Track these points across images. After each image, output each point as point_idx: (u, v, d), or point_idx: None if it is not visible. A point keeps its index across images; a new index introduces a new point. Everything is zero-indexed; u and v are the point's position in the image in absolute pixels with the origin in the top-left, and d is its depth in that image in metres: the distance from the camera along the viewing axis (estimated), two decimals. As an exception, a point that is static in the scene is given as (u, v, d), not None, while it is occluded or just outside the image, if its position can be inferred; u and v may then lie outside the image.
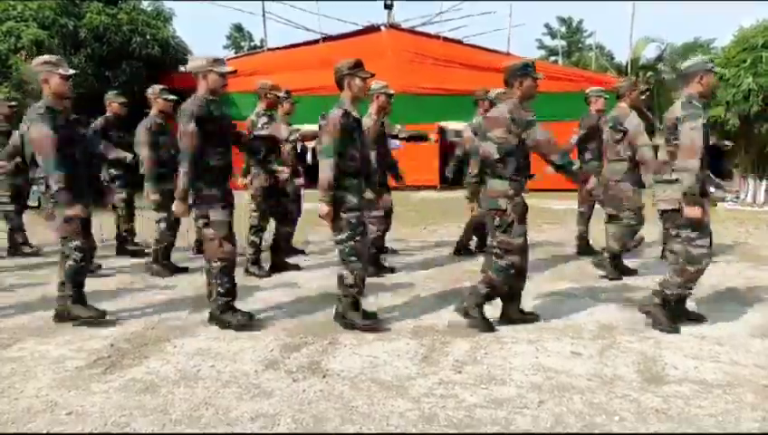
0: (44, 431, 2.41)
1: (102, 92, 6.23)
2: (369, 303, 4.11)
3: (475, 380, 2.89)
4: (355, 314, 3.63)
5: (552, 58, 28.14)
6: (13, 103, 6.00)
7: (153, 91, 5.25)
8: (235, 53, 28.14)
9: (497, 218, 3.54)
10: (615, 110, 4.96)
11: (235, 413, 2.55)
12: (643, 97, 5.62)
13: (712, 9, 35.98)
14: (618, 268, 4.97)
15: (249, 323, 3.63)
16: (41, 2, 12.50)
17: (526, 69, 3.57)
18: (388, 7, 15.08)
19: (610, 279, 4.86)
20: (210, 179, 3.55)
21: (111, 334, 3.55)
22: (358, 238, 3.56)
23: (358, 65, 3.63)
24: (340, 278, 3.63)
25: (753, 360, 3.14)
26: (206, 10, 38.61)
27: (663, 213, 3.68)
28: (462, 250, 5.97)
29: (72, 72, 3.63)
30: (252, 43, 29.01)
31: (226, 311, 3.65)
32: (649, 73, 20.14)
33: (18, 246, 6.15)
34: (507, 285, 3.63)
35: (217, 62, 3.62)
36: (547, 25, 31.48)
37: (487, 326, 3.59)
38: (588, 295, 4.41)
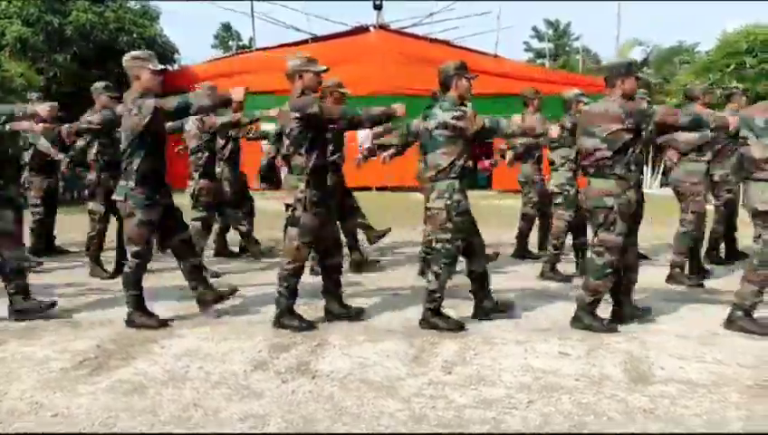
0: (28, 432, 2.38)
1: (87, 91, 6.12)
2: (357, 303, 4.11)
3: (465, 380, 2.90)
4: (438, 319, 3.63)
5: (540, 61, 28.32)
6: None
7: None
8: (224, 52, 27.99)
9: (601, 216, 3.54)
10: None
11: (225, 414, 2.53)
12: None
13: (697, 11, 36.49)
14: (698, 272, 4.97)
15: (313, 326, 3.61)
16: (25, -1, 12.35)
17: (630, 68, 3.62)
18: (378, 8, 15.09)
19: (695, 286, 4.79)
20: (308, 181, 3.56)
21: (97, 335, 3.51)
22: (458, 243, 3.58)
23: (464, 66, 3.68)
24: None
25: (738, 359, 3.18)
26: (193, 9, 38.48)
27: (759, 214, 3.59)
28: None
29: (160, 67, 3.65)
30: (240, 43, 28.85)
31: (288, 311, 3.64)
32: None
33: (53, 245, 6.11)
34: (608, 287, 3.63)
35: (312, 61, 3.68)
36: (534, 28, 31.65)
37: (609, 328, 3.61)
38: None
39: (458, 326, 3.62)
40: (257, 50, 15.63)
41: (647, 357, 3.22)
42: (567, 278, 4.96)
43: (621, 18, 19.82)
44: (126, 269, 3.70)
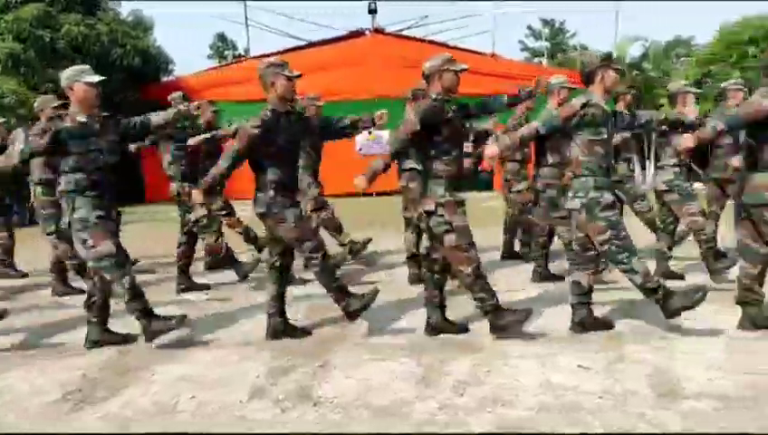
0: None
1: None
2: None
3: (480, 402, 2.67)
4: (676, 299, 3.34)
5: (536, 59, 28.17)
6: (215, 108, 5.59)
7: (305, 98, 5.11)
8: (219, 62, 27.88)
9: (767, 213, 3.33)
10: None
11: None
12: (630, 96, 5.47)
13: (690, 5, 36.29)
14: None
15: (524, 319, 3.46)
16: (17, 14, 12.20)
17: None
18: (373, 12, 14.93)
19: None
20: (447, 184, 3.41)
21: (83, 363, 3.29)
22: (623, 234, 3.37)
23: (611, 57, 3.48)
24: (577, 285, 3.54)
25: (772, 368, 2.95)
26: (188, 19, 38.51)
27: None
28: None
29: (297, 73, 3.51)
30: (236, 52, 28.73)
31: (497, 311, 3.46)
32: (635, 72, 20.15)
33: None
34: None
35: (452, 61, 3.50)
36: (530, 27, 31.50)
37: None
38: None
39: (703, 294, 3.34)
40: (253, 58, 15.48)
41: (673, 368, 2.99)
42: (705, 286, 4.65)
43: (616, 14, 19.65)
44: (315, 270, 3.49)
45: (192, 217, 4.86)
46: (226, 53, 29.91)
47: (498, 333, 3.46)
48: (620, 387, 2.80)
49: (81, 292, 4.73)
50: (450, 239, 3.40)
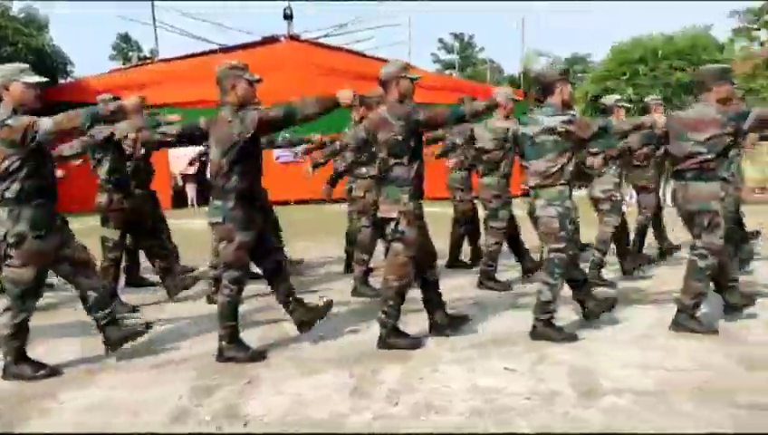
0: None
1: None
2: (283, 328, 3.79)
3: (413, 410, 2.67)
4: (551, 331, 3.57)
5: (448, 71, 29.13)
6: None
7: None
8: (123, 63, 26.41)
9: (706, 219, 3.54)
10: None
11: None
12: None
13: (588, 24, 39.21)
14: None
15: (419, 345, 3.49)
16: None
17: (725, 74, 3.58)
18: (288, 18, 14.75)
19: None
20: (413, 192, 3.43)
21: (-22, 393, 2.96)
22: (570, 252, 3.53)
23: (568, 71, 3.69)
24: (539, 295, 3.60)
25: (680, 363, 3.18)
26: (88, 18, 36.14)
27: None
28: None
29: (257, 77, 3.38)
30: (141, 54, 27.36)
31: (396, 331, 3.50)
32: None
33: None
34: (708, 289, 3.66)
35: (407, 68, 3.55)
36: (441, 40, 32.58)
37: (711, 329, 3.62)
38: (510, 302, 4.37)
39: (572, 337, 3.57)
40: (161, 61, 14.79)
41: (592, 368, 3.14)
42: (613, 284, 4.88)
43: (524, 29, 20.76)
44: (222, 299, 3.33)
45: (105, 233, 4.50)
46: (131, 54, 28.43)
47: (383, 347, 3.46)
48: (545, 387, 2.91)
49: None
50: (396, 248, 3.43)
